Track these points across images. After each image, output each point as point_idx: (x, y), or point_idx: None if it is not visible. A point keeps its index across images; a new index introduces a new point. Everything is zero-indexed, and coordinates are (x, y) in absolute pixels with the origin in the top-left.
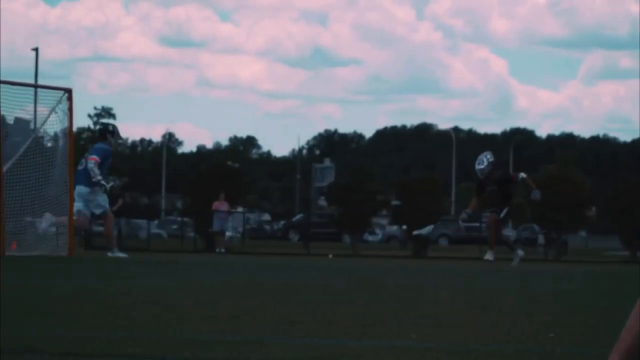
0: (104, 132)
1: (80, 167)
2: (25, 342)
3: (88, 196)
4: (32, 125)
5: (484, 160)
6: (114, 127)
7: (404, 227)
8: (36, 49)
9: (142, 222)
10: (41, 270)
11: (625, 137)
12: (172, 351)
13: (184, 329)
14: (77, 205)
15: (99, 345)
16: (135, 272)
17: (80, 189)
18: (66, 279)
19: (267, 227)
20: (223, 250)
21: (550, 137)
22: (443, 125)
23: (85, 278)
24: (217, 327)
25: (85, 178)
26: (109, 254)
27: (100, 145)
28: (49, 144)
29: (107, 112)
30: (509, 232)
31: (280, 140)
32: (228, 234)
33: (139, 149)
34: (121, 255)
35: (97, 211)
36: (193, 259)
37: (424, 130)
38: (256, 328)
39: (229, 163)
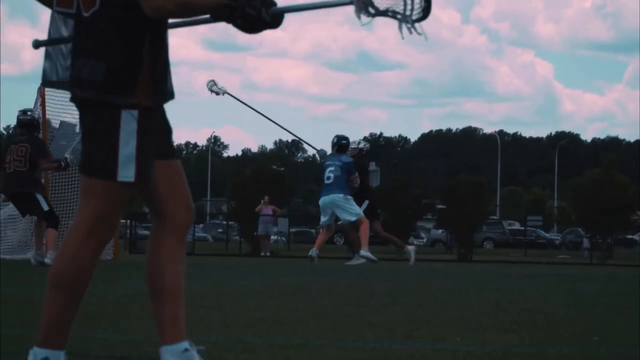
0: None
1: None
2: (70, 344)
3: None
4: (77, 129)
5: (355, 143)
6: None
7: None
8: None
9: None
10: None
11: None
12: (217, 354)
13: (230, 331)
14: None
15: (143, 348)
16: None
17: None
18: (112, 282)
19: (312, 230)
20: (268, 253)
21: (595, 141)
22: (488, 129)
23: (132, 281)
24: (262, 330)
25: None
26: None
27: None
28: None
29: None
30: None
31: (326, 144)
32: (273, 237)
33: (184, 152)
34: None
35: None
36: (238, 263)
37: (469, 134)
38: (301, 331)
39: (274, 167)
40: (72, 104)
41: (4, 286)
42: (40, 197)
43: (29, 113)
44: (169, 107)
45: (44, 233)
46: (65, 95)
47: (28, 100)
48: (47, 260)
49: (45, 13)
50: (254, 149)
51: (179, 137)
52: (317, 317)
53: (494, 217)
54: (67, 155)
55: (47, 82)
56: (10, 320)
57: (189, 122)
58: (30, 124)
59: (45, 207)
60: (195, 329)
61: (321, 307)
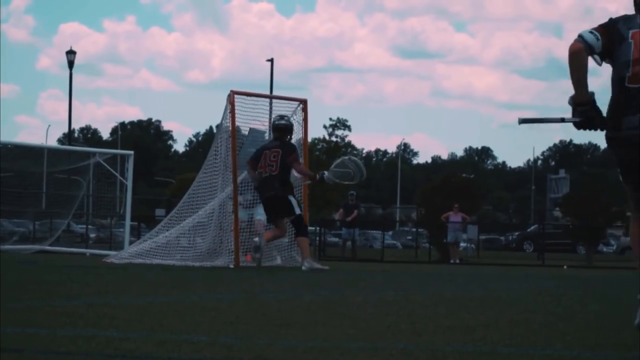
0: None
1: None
2: (258, 352)
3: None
4: (266, 136)
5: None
6: None
7: None
8: (271, 60)
9: (377, 233)
10: (274, 279)
11: None
12: None
13: (419, 339)
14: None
15: (332, 356)
16: (369, 283)
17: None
18: (301, 288)
19: (502, 237)
20: (457, 260)
21: None
22: None
23: (320, 288)
24: (452, 338)
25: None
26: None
27: None
28: None
29: (342, 123)
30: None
31: (515, 151)
32: (462, 244)
33: (374, 159)
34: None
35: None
36: (427, 270)
37: None
38: (490, 339)
39: (464, 174)
40: (261, 111)
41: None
42: (293, 201)
43: (285, 118)
44: (360, 114)
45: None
46: (254, 102)
47: (217, 107)
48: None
49: (233, 19)
50: (444, 156)
51: (368, 144)
52: (506, 325)
53: None
54: (325, 173)
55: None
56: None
57: (379, 129)
58: (285, 129)
59: (298, 211)
60: (384, 336)
61: (510, 315)
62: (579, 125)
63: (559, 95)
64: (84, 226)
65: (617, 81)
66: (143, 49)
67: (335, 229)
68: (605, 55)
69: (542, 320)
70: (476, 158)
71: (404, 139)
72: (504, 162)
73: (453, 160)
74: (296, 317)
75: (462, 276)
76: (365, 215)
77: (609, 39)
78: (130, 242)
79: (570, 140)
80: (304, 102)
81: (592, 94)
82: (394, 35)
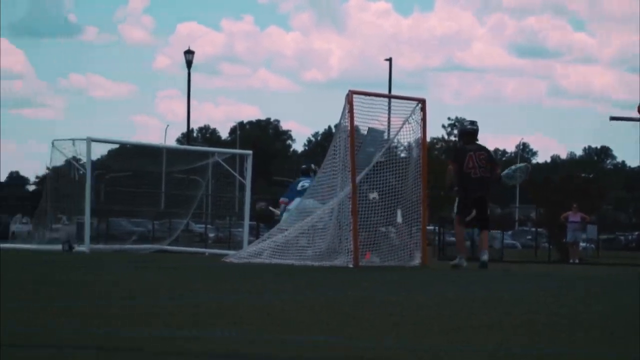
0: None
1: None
2: (379, 352)
3: None
4: (385, 136)
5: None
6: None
7: None
8: (389, 59)
9: (497, 233)
10: (395, 280)
11: None
12: None
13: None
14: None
15: (446, 356)
16: (496, 282)
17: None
18: (423, 287)
19: (622, 237)
20: (577, 260)
21: None
22: None
23: (441, 287)
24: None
25: None
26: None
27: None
28: (402, 155)
29: (461, 122)
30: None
31: (636, 151)
32: (582, 244)
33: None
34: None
35: None
36: (546, 270)
37: None
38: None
39: (583, 174)
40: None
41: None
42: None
43: (475, 124)
44: (479, 113)
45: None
46: (373, 102)
47: (336, 107)
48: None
49: (350, 18)
50: (563, 156)
51: (487, 144)
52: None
53: None
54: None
55: None
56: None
57: (497, 128)
58: (477, 133)
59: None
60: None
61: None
62: None
63: None
64: (203, 226)
65: None
66: (261, 49)
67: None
68: None
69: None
70: (595, 157)
71: (522, 139)
72: (623, 162)
73: (572, 159)
74: (410, 317)
75: (578, 275)
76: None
77: None
78: (249, 242)
79: None
80: (422, 102)
81: None
82: (512, 34)
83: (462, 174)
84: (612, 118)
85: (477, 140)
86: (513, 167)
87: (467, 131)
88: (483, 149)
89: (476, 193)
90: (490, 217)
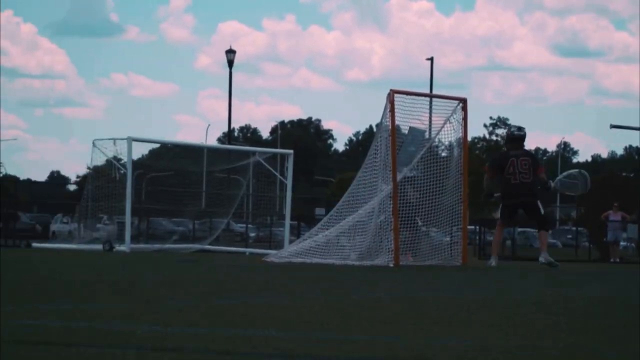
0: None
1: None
2: (418, 351)
3: None
4: (426, 135)
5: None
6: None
7: None
8: (431, 59)
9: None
10: (434, 278)
11: None
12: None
13: (579, 338)
14: None
15: (491, 355)
16: (529, 281)
17: None
18: (462, 287)
19: None
20: (617, 260)
21: None
22: None
23: (480, 287)
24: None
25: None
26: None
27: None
28: (444, 154)
29: (502, 122)
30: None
31: None
32: (622, 243)
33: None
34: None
35: None
36: (587, 269)
37: None
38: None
39: (624, 173)
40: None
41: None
42: (539, 204)
43: (523, 130)
44: (520, 113)
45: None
46: (414, 101)
47: (377, 106)
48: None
49: (392, 17)
50: (604, 155)
51: (529, 143)
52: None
53: None
54: (551, 182)
55: None
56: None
57: (539, 127)
58: (524, 139)
59: (542, 212)
60: (542, 335)
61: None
62: None
63: None
64: (244, 225)
65: None
66: (303, 48)
67: (494, 227)
68: None
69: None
70: (636, 157)
71: (563, 138)
72: None
73: (613, 158)
74: (456, 316)
75: (619, 275)
76: (525, 214)
77: None
78: (290, 241)
79: None
80: (463, 101)
81: None
82: (553, 33)
83: (503, 179)
84: (613, 126)
85: (523, 146)
86: (565, 173)
87: (513, 137)
88: (528, 154)
89: (517, 198)
90: (547, 217)
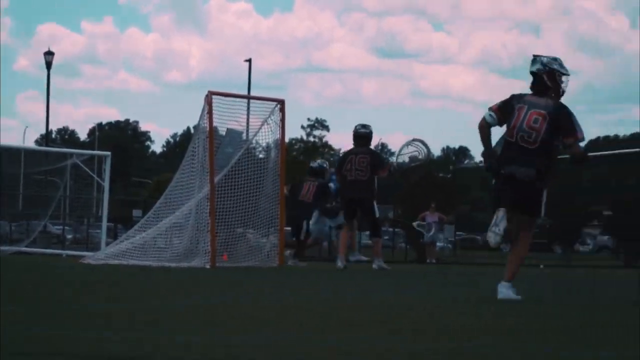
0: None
1: None
2: (235, 351)
3: None
4: (244, 137)
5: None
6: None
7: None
8: (249, 60)
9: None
10: (253, 280)
11: None
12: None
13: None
14: None
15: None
16: (352, 282)
17: None
18: (276, 288)
19: (479, 237)
20: (434, 260)
21: None
22: None
23: (295, 287)
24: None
25: None
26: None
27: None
28: (261, 155)
29: (320, 123)
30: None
31: None
32: (439, 244)
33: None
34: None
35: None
36: (403, 269)
37: (638, 139)
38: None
39: (440, 174)
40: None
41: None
42: (375, 205)
43: (367, 127)
44: (338, 114)
45: (347, 240)
46: (232, 103)
47: (195, 108)
48: (381, 266)
49: (211, 19)
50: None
51: (347, 144)
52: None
53: None
54: (393, 161)
55: None
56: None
57: (343, 129)
58: (368, 136)
59: (377, 215)
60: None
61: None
62: (486, 169)
63: None
64: (61, 227)
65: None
66: (121, 50)
67: None
68: (501, 125)
69: (520, 320)
70: (453, 158)
71: (381, 139)
72: (481, 162)
73: (431, 160)
74: (265, 316)
75: (436, 275)
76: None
77: (503, 114)
78: (107, 243)
79: None
80: (281, 103)
81: (495, 151)
82: (372, 35)
83: (341, 176)
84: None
85: (368, 143)
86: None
87: (357, 134)
88: (368, 152)
89: (350, 194)
90: (380, 222)
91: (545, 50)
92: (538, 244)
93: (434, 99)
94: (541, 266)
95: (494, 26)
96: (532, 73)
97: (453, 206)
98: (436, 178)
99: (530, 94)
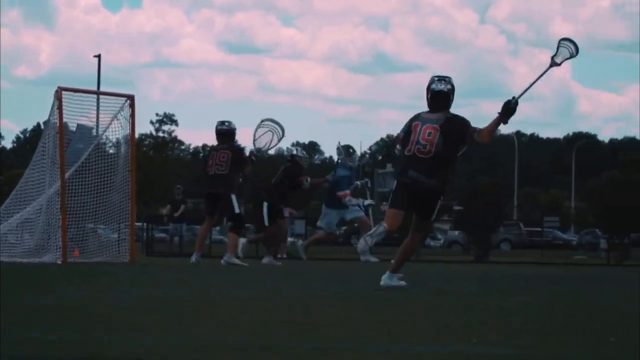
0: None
1: None
2: (91, 349)
3: None
4: (94, 132)
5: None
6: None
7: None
8: (98, 56)
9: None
10: (103, 277)
11: None
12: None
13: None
14: None
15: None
16: (196, 279)
17: None
18: (128, 285)
19: (338, 232)
20: (285, 255)
21: (613, 141)
22: (505, 129)
23: (147, 285)
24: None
25: None
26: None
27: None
28: (111, 151)
29: (169, 118)
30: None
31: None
32: (290, 239)
33: (201, 155)
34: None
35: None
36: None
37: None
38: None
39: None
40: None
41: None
42: (234, 200)
43: (226, 124)
44: (187, 109)
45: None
46: (82, 98)
47: (45, 104)
48: (229, 262)
49: (60, 14)
50: (271, 151)
51: (196, 139)
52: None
53: (513, 219)
54: (253, 150)
55: None
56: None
57: (206, 124)
58: (228, 133)
59: (237, 210)
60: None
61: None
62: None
63: (385, 89)
64: None
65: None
66: None
67: (162, 224)
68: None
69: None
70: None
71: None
72: (331, 157)
73: (281, 154)
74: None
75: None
76: (193, 210)
77: (405, 139)
78: None
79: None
80: (131, 98)
81: None
82: (221, 30)
83: (203, 171)
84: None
85: (229, 140)
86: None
87: (216, 131)
88: (230, 148)
89: (208, 189)
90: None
91: (394, 45)
92: (392, 239)
93: (283, 94)
94: (392, 261)
95: (344, 21)
96: (437, 91)
97: (305, 201)
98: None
99: (425, 112)
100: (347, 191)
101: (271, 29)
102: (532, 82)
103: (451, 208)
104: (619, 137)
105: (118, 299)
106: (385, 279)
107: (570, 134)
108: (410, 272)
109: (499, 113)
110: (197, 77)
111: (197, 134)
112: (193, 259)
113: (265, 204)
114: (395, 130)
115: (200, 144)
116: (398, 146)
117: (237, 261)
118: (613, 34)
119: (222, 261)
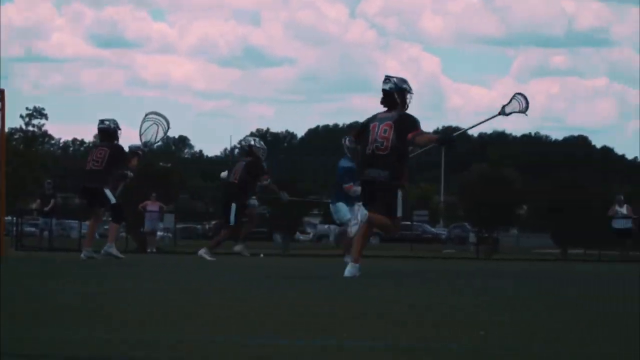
0: None
1: None
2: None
3: None
4: None
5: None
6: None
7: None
8: None
9: (74, 223)
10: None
11: (557, 135)
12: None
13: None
14: None
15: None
16: (73, 273)
17: None
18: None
19: (199, 227)
20: (154, 250)
21: (482, 135)
22: None
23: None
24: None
25: None
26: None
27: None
28: None
29: (39, 112)
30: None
31: (212, 140)
32: (159, 233)
33: (71, 149)
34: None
35: None
36: (128, 259)
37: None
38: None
39: (161, 163)
40: None
41: None
42: (108, 192)
43: (105, 122)
44: (57, 103)
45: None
46: None
47: None
48: (107, 251)
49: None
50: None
51: (66, 134)
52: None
53: None
54: (140, 145)
55: None
56: None
57: (76, 118)
58: (107, 131)
59: (113, 201)
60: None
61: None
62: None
63: (255, 83)
64: None
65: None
66: None
67: (33, 218)
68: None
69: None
70: (173, 147)
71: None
72: (201, 151)
73: (149, 149)
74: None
75: (157, 264)
76: (63, 205)
77: (359, 137)
78: None
79: (268, 129)
80: (1, 92)
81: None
82: (91, 24)
83: (83, 168)
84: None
85: (107, 137)
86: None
87: (98, 129)
88: (108, 146)
89: (85, 183)
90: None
91: (265, 39)
92: (259, 233)
93: (153, 89)
94: (261, 255)
95: (214, 15)
96: (384, 91)
97: (173, 196)
98: (157, 167)
99: (381, 112)
100: (352, 184)
101: (141, 24)
102: (476, 123)
103: (321, 202)
104: (489, 131)
105: None
106: (351, 270)
107: (440, 127)
108: (277, 266)
109: (438, 136)
110: (67, 71)
111: (67, 128)
112: (83, 255)
113: (233, 205)
114: (265, 124)
115: (70, 138)
116: (348, 140)
117: (116, 252)
118: (483, 29)
119: (102, 251)
